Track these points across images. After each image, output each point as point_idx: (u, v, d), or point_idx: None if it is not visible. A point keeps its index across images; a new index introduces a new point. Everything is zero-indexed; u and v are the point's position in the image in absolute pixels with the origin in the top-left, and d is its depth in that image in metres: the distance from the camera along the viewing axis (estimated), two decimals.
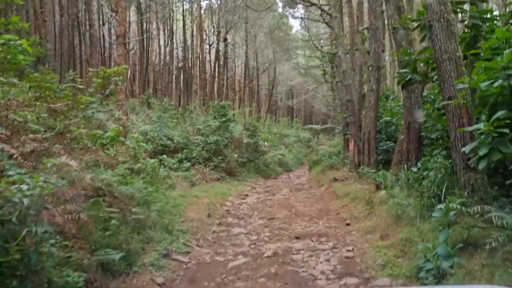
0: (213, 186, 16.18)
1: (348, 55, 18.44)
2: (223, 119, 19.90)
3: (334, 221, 10.12)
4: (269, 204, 12.93)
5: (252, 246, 8.11)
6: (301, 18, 32.55)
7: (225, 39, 36.42)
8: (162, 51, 37.87)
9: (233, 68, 46.57)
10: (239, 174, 19.92)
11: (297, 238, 8.53)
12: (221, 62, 37.94)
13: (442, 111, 8.93)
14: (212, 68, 36.02)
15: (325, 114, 62.18)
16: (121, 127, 17.12)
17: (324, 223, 9.97)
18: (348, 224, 9.43)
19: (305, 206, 12.19)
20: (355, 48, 19.30)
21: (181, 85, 34.26)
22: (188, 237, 8.46)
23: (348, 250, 7.46)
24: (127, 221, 7.31)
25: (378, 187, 10.74)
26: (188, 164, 17.18)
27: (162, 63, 35.88)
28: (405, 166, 9.92)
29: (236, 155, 19.26)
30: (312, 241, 8.28)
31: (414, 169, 8.26)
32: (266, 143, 27.00)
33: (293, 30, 49.65)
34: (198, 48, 28.29)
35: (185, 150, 18.07)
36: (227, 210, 12.14)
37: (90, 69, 13.34)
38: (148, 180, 14.02)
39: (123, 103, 19.53)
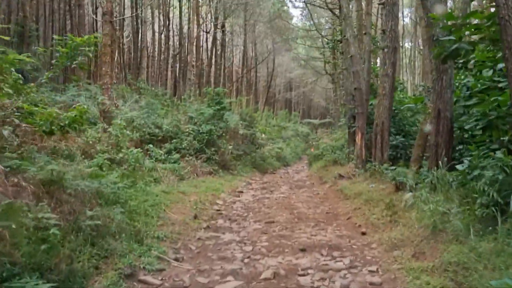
0: (204, 180, 14.35)
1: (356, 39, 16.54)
2: (218, 107, 18.00)
3: (346, 228, 8.27)
4: (267, 203, 11.07)
5: (246, 260, 6.26)
6: (304, 2, 30.46)
7: (222, 26, 34.42)
8: (157, 38, 35.85)
9: (231, 58, 44.60)
10: (234, 167, 18.07)
11: (303, 250, 6.68)
12: (218, 51, 35.98)
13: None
14: (209, 57, 34.06)
15: (324, 108, 60.35)
16: (95, 108, 15.25)
17: (333, 230, 8.13)
18: (364, 233, 7.59)
19: (308, 208, 10.33)
20: (363, 32, 17.40)
21: (176, 73, 32.26)
22: (165, 247, 6.59)
23: (371, 272, 5.62)
24: (81, 228, 5.43)
25: (398, 188, 8.90)
26: (177, 156, 15.32)
27: (156, 50, 33.86)
28: (434, 162, 8.06)
29: (230, 147, 17.39)
30: (322, 255, 6.43)
31: (460, 167, 6.36)
32: (263, 136, 25.15)
33: (294, 20, 47.63)
34: (194, 34, 26.29)
35: (174, 140, 16.19)
36: (217, 210, 10.27)
37: (55, 36, 11.37)
38: (128, 172, 12.21)
39: (109, 86, 17.69)
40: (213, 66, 36.62)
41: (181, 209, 9.28)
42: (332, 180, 14.23)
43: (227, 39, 40.28)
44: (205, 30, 36.69)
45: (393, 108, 17.01)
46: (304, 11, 37.73)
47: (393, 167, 10.40)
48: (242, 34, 37.51)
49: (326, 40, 24.83)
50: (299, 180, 17.19)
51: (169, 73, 35.22)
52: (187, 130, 16.72)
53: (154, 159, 14.59)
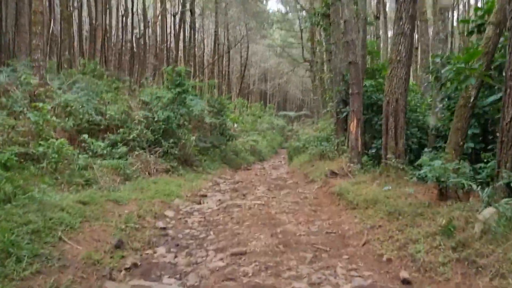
0: (157, 180, 10.86)
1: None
2: (179, 89, 14.38)
3: (366, 264, 4.87)
4: (237, 215, 7.58)
5: None
6: None
7: (191, 8, 30.65)
8: (121, 21, 31.84)
9: (202, 46, 40.81)
10: (199, 163, 14.54)
11: None
12: (187, 37, 32.17)
13: None
14: (175, 41, 30.27)
15: (300, 101, 57.29)
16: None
17: (346, 269, 4.71)
18: (407, 282, 4.16)
19: (298, 222, 6.88)
20: None
21: (140, 57, 28.40)
22: None
23: None
24: None
25: (443, 194, 5.52)
26: (124, 149, 11.74)
27: (121, 35, 29.90)
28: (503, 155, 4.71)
29: (194, 138, 13.77)
30: None
31: None
32: (236, 126, 21.63)
33: (269, 5, 44.10)
34: (157, 14, 22.51)
35: (121, 130, 12.54)
36: (162, 229, 6.75)
37: None
38: (42, 172, 8.78)
39: (41, 64, 13.91)
40: (180, 52, 32.81)
41: (99, 231, 5.72)
42: (322, 178, 10.84)
43: (197, 24, 36.48)
44: (171, 12, 32.86)
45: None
46: None
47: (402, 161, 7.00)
48: (213, 17, 33.77)
49: (306, 17, 21.10)
50: (279, 178, 13.75)
51: (129, 58, 31.22)
52: (138, 117, 13.07)
53: (90, 153, 11.01)
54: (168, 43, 33.65)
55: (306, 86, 54.71)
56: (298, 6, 33.12)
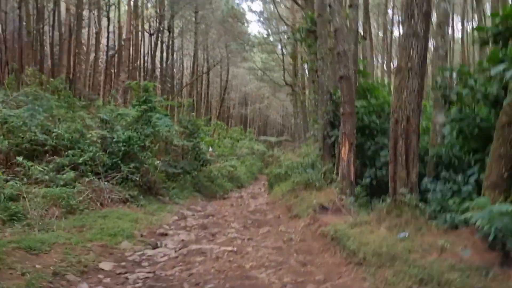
0: (109, 214, 8.75)
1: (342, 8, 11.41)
2: (144, 106, 12.36)
3: None
4: (198, 271, 5.47)
5: None
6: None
7: (169, 27, 28.87)
8: (93, 38, 29.81)
9: (181, 68, 38.93)
10: (165, 192, 12.43)
11: None
12: (165, 56, 30.32)
13: None
14: (151, 60, 28.31)
15: (281, 125, 55.69)
16: None
17: None
18: None
19: (282, 286, 4.76)
20: (348, 4, 12.34)
21: (112, 76, 26.34)
22: None
23: None
24: None
25: (509, 257, 3.55)
26: (71, 174, 9.58)
27: (87, 51, 27.82)
28: None
29: (159, 163, 11.61)
30: None
31: None
32: (212, 150, 19.57)
33: (250, 27, 42.73)
34: (130, 30, 20.57)
35: (71, 151, 10.37)
36: None
37: None
38: None
39: None
40: (158, 72, 30.86)
41: None
42: (310, 214, 8.81)
43: (176, 44, 34.67)
44: (150, 31, 31.00)
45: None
46: (262, 15, 32.74)
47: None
48: (193, 37, 32.05)
49: (289, 34, 19.18)
50: (258, 211, 11.68)
51: (103, 76, 29.12)
52: (91, 137, 10.94)
53: (26, 180, 8.86)
54: (143, 61, 31.75)
55: (287, 110, 53.15)
56: (281, 29, 31.69)
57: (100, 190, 10.07)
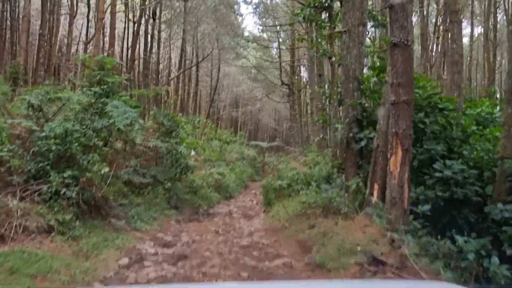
0: (4, 257, 4.70)
1: None
2: (98, 90, 8.44)
3: None
4: None
5: None
6: None
7: (153, 14, 24.96)
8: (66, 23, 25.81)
9: (168, 62, 34.90)
10: (122, 212, 8.44)
11: None
12: (149, 46, 26.36)
13: None
14: (131, 49, 24.28)
15: (274, 130, 51.88)
16: None
17: None
18: None
19: None
20: None
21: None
22: None
23: None
24: None
25: None
26: None
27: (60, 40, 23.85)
28: None
29: (106, 170, 7.56)
30: None
31: None
32: (194, 153, 15.65)
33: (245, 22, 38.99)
34: (103, 9, 16.59)
35: None
36: None
37: None
38: None
39: None
40: (138, 62, 26.86)
41: None
42: (352, 269, 4.92)
43: (163, 36, 30.68)
44: (132, 19, 27.00)
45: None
46: (259, 7, 28.93)
47: None
48: (181, 29, 28.14)
49: (294, 13, 15.06)
50: (255, 246, 7.75)
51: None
52: (6, 129, 6.99)
53: None
54: (121, 49, 27.74)
55: (280, 114, 49.35)
56: (278, 22, 27.91)
57: (7, 212, 6.16)
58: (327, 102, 13.61)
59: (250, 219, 11.76)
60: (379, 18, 12.37)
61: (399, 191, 6.25)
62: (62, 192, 6.93)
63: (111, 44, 19.78)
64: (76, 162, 7.43)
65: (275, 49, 35.95)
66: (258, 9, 28.49)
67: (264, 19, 30.23)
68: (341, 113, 11.58)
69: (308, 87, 29.64)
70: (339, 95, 11.63)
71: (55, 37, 22.19)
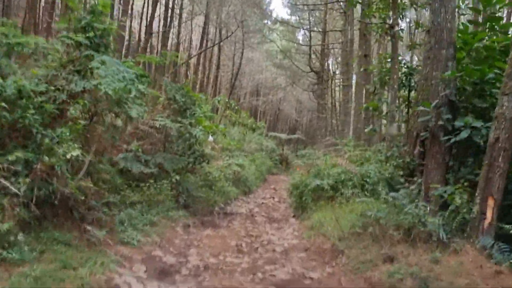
0: None
1: None
2: (81, 38, 5.67)
3: None
4: None
5: None
6: None
7: None
8: None
9: (189, 41, 32.21)
10: (108, 214, 5.70)
11: None
12: (169, 21, 23.65)
13: None
14: (148, 23, 21.55)
15: (295, 122, 48.89)
16: None
17: None
18: None
19: None
20: None
21: None
22: None
23: None
24: None
25: None
26: None
27: None
28: None
29: (76, 154, 4.79)
30: None
31: None
32: (212, 139, 12.94)
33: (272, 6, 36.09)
34: None
35: None
36: None
37: None
38: None
39: None
40: (157, 43, 24.19)
41: None
42: None
43: (184, 15, 27.89)
44: None
45: None
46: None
47: None
48: (204, 4, 25.34)
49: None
50: (299, 283, 4.93)
51: None
52: None
53: None
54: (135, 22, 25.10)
55: (303, 105, 46.22)
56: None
57: None
58: (378, 86, 10.73)
59: (278, 226, 8.98)
60: None
61: None
62: (4, 186, 4.27)
63: (125, 12, 17.10)
64: (34, 141, 4.74)
65: (301, 36, 32.98)
66: None
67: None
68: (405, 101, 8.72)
69: (339, 74, 26.70)
70: (407, 74, 8.78)
71: None
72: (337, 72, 34.09)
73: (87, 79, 5.68)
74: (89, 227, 5.22)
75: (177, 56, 17.88)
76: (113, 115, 6.05)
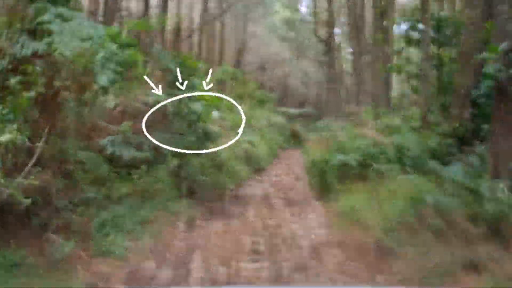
0: None
1: None
2: None
3: None
4: None
5: None
6: None
7: None
8: None
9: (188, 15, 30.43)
10: (83, 215, 4.21)
11: None
12: None
13: None
14: None
15: (303, 96, 47.08)
16: None
17: None
18: None
19: None
20: None
21: None
22: None
23: None
24: None
25: None
26: None
27: None
28: None
29: (4, 139, 3.30)
30: None
31: None
32: (217, 115, 11.44)
33: None
34: None
35: None
36: None
37: None
38: None
39: None
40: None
41: None
42: None
43: None
44: None
45: None
46: None
47: None
48: None
49: None
50: None
51: None
52: None
53: None
54: None
55: (311, 79, 44.25)
56: None
57: None
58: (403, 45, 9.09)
59: (299, 210, 7.50)
60: None
61: None
62: None
63: None
64: None
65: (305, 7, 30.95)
66: None
67: None
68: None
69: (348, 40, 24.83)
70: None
71: None
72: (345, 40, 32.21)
73: (43, 39, 4.16)
74: (52, 237, 3.78)
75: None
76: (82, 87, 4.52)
